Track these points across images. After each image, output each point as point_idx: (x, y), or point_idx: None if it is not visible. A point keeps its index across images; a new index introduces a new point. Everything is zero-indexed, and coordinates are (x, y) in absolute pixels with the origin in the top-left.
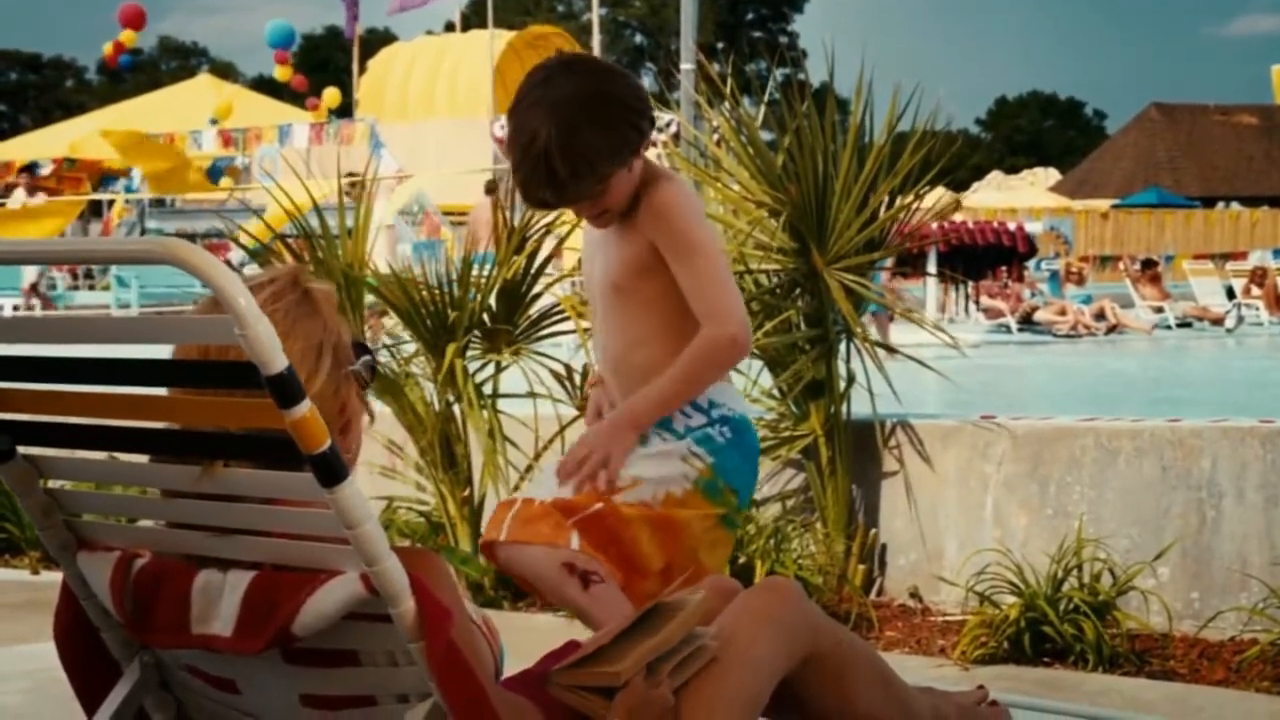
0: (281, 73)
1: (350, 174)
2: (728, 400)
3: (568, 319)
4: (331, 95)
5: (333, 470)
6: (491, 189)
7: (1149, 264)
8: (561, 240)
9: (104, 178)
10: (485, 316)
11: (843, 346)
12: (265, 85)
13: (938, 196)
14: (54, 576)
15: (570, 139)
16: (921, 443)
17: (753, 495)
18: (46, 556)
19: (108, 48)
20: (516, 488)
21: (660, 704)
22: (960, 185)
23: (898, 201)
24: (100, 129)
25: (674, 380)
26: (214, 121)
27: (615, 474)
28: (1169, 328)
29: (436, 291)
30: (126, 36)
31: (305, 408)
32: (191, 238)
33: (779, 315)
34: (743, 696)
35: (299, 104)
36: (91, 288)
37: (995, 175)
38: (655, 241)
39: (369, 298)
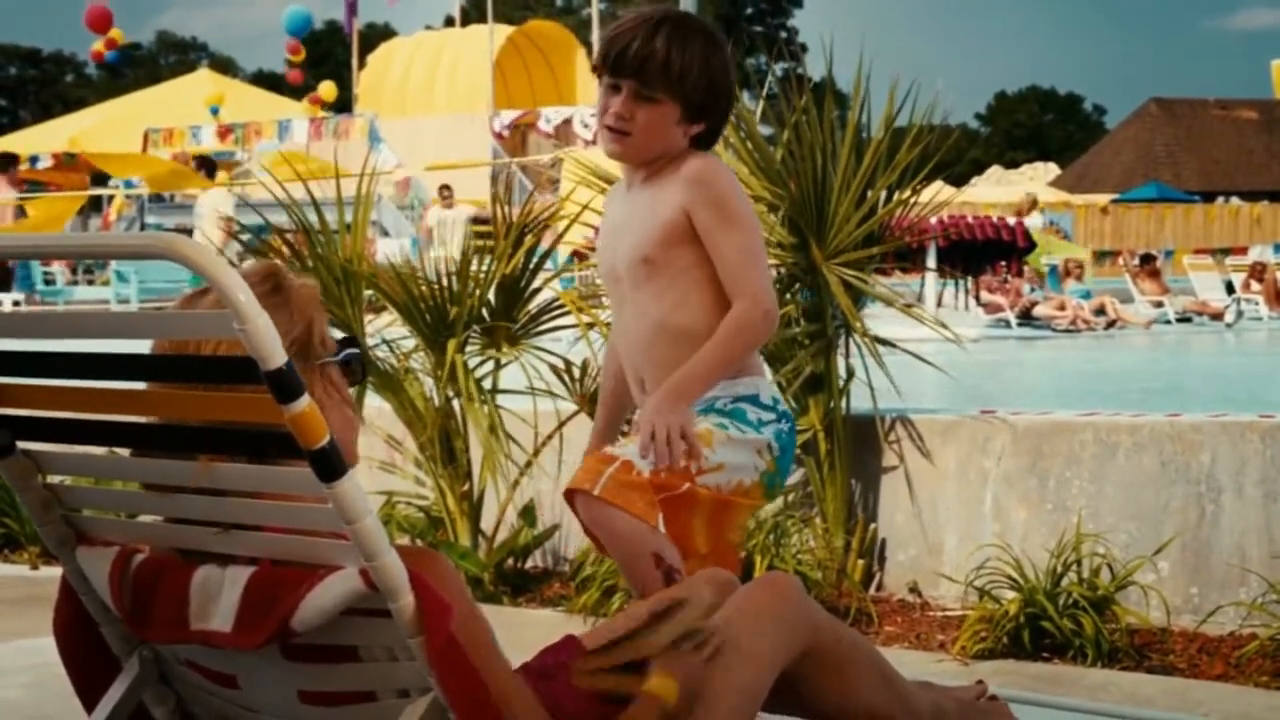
0: (293, 60)
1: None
2: (780, 397)
3: (567, 314)
4: (327, 89)
5: (332, 465)
6: (209, 166)
7: (1147, 259)
8: (560, 235)
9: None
10: (484, 312)
11: (842, 341)
12: (265, 80)
13: (936, 190)
14: (53, 571)
15: (684, 34)
16: (921, 437)
17: None
18: (46, 552)
19: (97, 44)
20: (516, 483)
21: (695, 663)
22: (959, 180)
23: (896, 196)
24: (74, 143)
25: (713, 355)
26: (215, 111)
27: (696, 444)
28: (1168, 323)
29: (435, 286)
30: (117, 34)
31: (304, 403)
32: (190, 233)
33: (779, 311)
34: (743, 691)
35: (299, 98)
36: (91, 283)
37: (995, 170)
38: (691, 211)
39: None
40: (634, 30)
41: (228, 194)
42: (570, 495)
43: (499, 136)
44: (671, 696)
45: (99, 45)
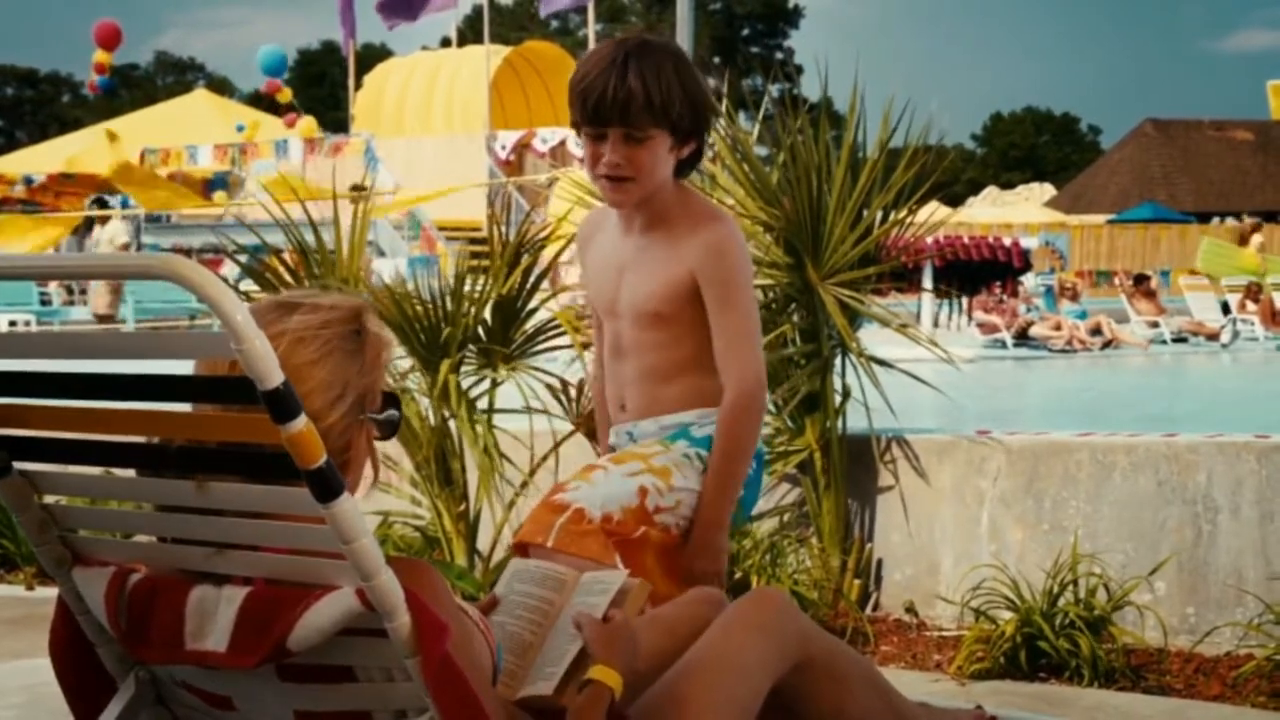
0: (282, 96)
1: (357, 186)
2: None
3: (563, 334)
4: (308, 125)
5: (329, 485)
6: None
7: (1141, 279)
8: (557, 255)
9: (100, 193)
10: (480, 331)
11: (838, 361)
12: (261, 101)
13: (932, 211)
14: (49, 592)
15: (653, 63)
16: (917, 457)
17: None
18: (42, 572)
19: (92, 74)
20: (512, 503)
21: (630, 652)
22: (956, 200)
23: (891, 217)
24: (71, 164)
25: (727, 466)
26: (241, 128)
27: (723, 580)
28: (1164, 343)
29: (431, 306)
30: (103, 57)
31: (301, 423)
32: (187, 253)
33: (774, 330)
34: (732, 703)
35: (283, 118)
36: (86, 303)
37: (991, 190)
38: (699, 279)
39: None
40: (603, 74)
41: (124, 224)
42: (521, 547)
43: (505, 163)
44: (618, 686)
45: (93, 75)
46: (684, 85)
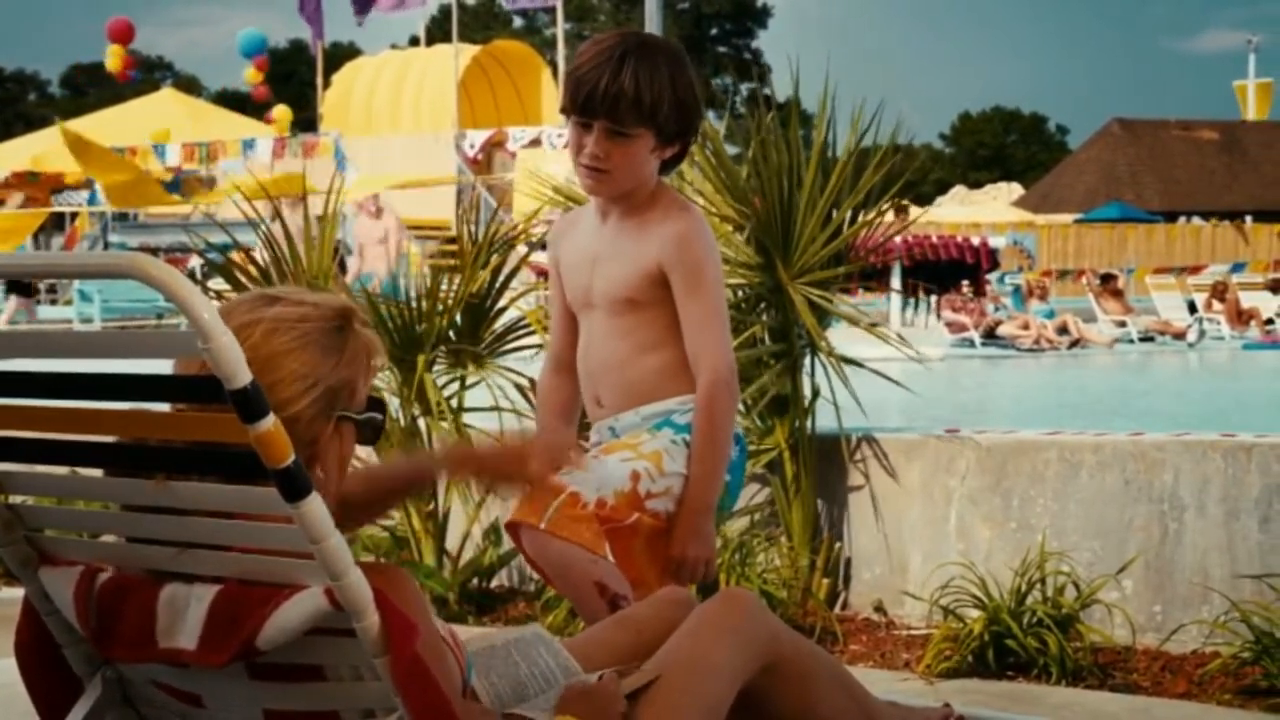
0: (252, 76)
1: None
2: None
3: (533, 333)
4: (283, 113)
5: (296, 485)
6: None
7: (1107, 278)
8: (526, 255)
9: (61, 190)
10: (450, 331)
11: (807, 360)
12: (229, 99)
13: (913, 218)
14: (14, 593)
15: (649, 64)
16: (886, 456)
17: None
18: (7, 572)
19: (115, 65)
20: (481, 503)
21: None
22: (924, 200)
23: (861, 216)
24: (37, 163)
25: (708, 452)
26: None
27: (714, 566)
28: (1131, 342)
29: (404, 306)
30: (118, 51)
31: (269, 422)
32: (155, 252)
33: (744, 330)
34: (701, 704)
35: (262, 116)
36: (54, 302)
37: (959, 190)
38: (666, 269)
39: None
40: (599, 67)
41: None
42: (513, 527)
43: (473, 161)
44: None
45: (117, 65)
46: (675, 89)
